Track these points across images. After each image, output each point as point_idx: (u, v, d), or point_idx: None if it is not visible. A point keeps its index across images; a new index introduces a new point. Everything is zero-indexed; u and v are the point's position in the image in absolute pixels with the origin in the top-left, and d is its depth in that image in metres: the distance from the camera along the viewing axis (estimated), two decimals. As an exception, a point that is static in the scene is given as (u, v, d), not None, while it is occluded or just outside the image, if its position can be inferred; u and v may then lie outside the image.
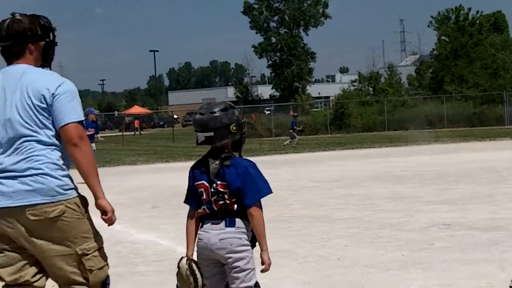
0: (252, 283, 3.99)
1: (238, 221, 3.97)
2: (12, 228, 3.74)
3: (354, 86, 57.10)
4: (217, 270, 4.03)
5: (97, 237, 3.92)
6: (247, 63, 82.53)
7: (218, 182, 3.96)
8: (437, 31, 59.77)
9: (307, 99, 60.14)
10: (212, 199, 3.98)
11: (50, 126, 3.76)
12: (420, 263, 6.81)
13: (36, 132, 3.74)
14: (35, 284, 3.83)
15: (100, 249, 3.93)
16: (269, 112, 53.94)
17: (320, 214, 10.54)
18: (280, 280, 6.23)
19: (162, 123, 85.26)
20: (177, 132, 45.08)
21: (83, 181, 3.84)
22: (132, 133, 62.14)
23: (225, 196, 3.95)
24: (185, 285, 4.01)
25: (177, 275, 4.07)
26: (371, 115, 47.57)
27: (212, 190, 3.97)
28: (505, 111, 45.29)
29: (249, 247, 4.01)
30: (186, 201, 4.15)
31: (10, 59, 3.90)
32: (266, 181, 4.02)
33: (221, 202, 3.97)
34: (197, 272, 3.97)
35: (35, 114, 3.74)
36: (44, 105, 3.74)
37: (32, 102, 3.74)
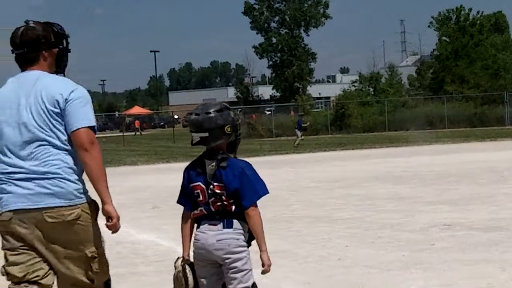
0: (249, 283, 4.00)
1: (236, 222, 3.99)
2: (27, 229, 3.81)
3: (355, 86, 57.06)
4: (214, 271, 4.04)
5: (102, 240, 4.02)
6: (248, 64, 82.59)
7: (215, 184, 3.96)
8: (438, 31, 59.75)
9: (308, 100, 60.13)
10: (210, 200, 3.98)
11: (63, 131, 3.83)
12: (421, 263, 6.81)
13: (50, 136, 3.81)
14: (43, 281, 3.88)
15: (104, 251, 4.03)
16: (269, 112, 53.97)
17: (321, 215, 10.54)
18: (280, 280, 6.23)
19: (162, 123, 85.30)
20: (177, 133, 45.05)
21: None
22: (133, 133, 62.14)
23: (223, 197, 3.96)
24: (178, 285, 4.05)
25: (173, 275, 4.10)
26: (372, 115, 47.56)
27: (209, 191, 3.98)
28: (506, 112, 45.27)
29: (247, 248, 4.03)
30: (179, 202, 4.16)
31: (24, 66, 3.99)
32: (262, 182, 4.03)
33: (218, 204, 3.98)
34: (189, 275, 4.01)
35: (48, 119, 3.81)
36: (57, 110, 3.81)
37: (46, 107, 3.81)
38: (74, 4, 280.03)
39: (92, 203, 3.93)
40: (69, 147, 3.84)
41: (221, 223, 3.98)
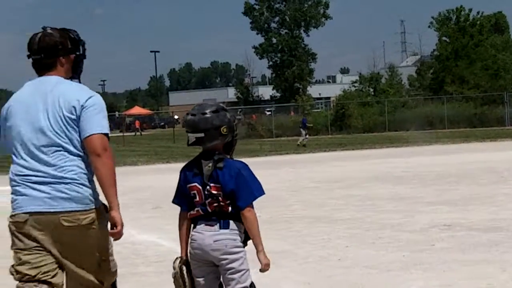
0: (247, 283, 4.01)
1: (232, 223, 4.01)
2: (41, 231, 3.87)
3: (355, 86, 57.04)
4: (211, 270, 4.07)
5: (111, 242, 4.13)
6: (248, 64, 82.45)
7: (212, 185, 3.98)
8: (438, 31, 59.75)
9: (308, 100, 60.07)
10: (206, 201, 4.00)
11: (78, 137, 3.90)
12: (421, 263, 6.82)
13: (66, 142, 3.88)
14: (53, 280, 3.94)
15: (112, 253, 4.15)
16: (269, 113, 53.96)
17: (321, 215, 10.55)
18: (280, 281, 6.24)
19: (162, 123, 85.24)
20: (177, 133, 45.00)
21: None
22: (133, 133, 62.14)
23: (219, 198, 3.98)
24: (177, 285, 4.10)
25: (171, 275, 4.14)
26: (372, 115, 47.56)
27: (206, 192, 3.99)
28: (506, 112, 45.27)
29: (243, 248, 4.05)
30: (175, 202, 4.19)
31: (42, 71, 4.05)
32: (259, 183, 4.04)
33: (215, 204, 3.99)
34: (186, 277, 4.05)
35: (65, 125, 3.88)
36: (73, 117, 3.88)
37: (63, 113, 3.88)
38: (74, 4, 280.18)
39: (103, 207, 4.00)
40: (82, 153, 3.91)
41: (218, 224, 4.00)
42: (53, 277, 3.92)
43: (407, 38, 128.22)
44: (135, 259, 7.80)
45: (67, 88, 3.97)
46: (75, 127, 3.89)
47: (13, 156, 3.97)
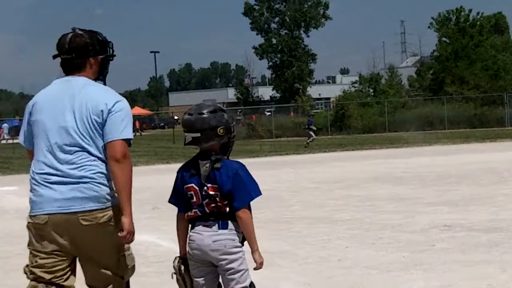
0: (247, 283, 4.02)
1: (230, 223, 4.01)
2: (60, 233, 3.91)
3: (355, 87, 57.07)
4: (210, 270, 4.08)
5: None
6: (248, 64, 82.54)
7: (209, 185, 3.98)
8: (438, 32, 59.79)
9: (308, 101, 60.16)
10: (204, 202, 4.00)
11: (101, 140, 3.94)
12: (421, 264, 6.82)
13: (88, 144, 3.92)
14: (65, 283, 4.00)
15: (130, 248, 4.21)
16: (269, 113, 53.94)
17: (321, 215, 10.54)
18: (280, 281, 6.23)
19: (162, 124, 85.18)
20: (177, 133, 44.92)
21: None
22: (133, 134, 62.07)
23: (217, 199, 3.98)
24: (179, 285, 4.15)
25: (171, 274, 4.18)
26: (372, 116, 47.55)
27: (203, 193, 3.99)
28: (506, 113, 45.27)
29: (242, 249, 4.05)
30: (171, 202, 4.21)
31: (70, 71, 4.08)
32: (256, 183, 4.05)
33: (213, 205, 4.00)
34: (185, 275, 4.08)
35: (90, 128, 3.92)
36: (100, 120, 3.93)
37: (90, 115, 3.92)
38: (74, 4, 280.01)
39: (119, 205, 4.03)
40: (102, 155, 3.95)
41: (217, 224, 4.00)
42: (65, 280, 3.98)
43: (407, 38, 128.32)
44: (135, 259, 7.78)
45: (95, 90, 4.01)
46: (100, 130, 3.92)
47: (35, 153, 4.00)
